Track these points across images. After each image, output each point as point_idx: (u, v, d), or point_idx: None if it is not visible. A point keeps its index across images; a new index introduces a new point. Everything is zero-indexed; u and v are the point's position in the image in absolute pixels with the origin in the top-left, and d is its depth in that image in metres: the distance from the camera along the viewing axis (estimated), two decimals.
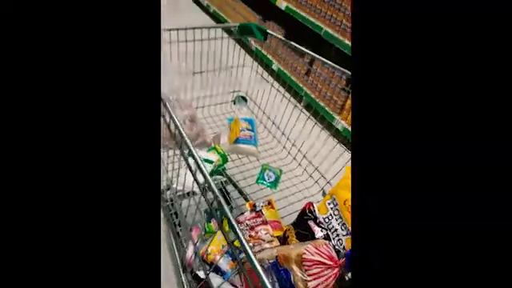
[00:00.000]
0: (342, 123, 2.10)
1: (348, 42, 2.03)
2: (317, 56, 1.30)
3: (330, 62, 1.23)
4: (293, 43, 1.36)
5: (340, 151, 1.28)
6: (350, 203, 1.00)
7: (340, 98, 2.12)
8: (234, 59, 1.51)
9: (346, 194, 1.01)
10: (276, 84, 1.53)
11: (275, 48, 2.61)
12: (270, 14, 2.77)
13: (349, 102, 2.07)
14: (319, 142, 1.35)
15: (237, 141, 1.42)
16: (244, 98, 1.60)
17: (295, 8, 2.42)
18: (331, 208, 1.04)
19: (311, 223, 1.02)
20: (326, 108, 2.22)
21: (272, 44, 2.57)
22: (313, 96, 2.33)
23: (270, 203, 1.26)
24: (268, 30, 1.40)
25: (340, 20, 2.08)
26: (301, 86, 2.43)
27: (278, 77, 2.43)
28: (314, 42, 2.22)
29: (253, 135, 1.45)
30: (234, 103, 1.61)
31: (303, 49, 1.33)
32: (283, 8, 2.53)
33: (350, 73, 1.13)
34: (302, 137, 1.42)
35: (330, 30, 2.14)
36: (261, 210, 1.20)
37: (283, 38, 1.41)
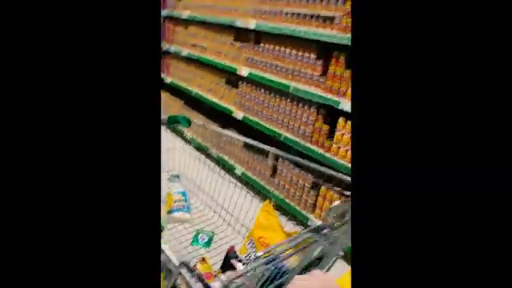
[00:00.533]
0: (317, 222, 1.98)
1: (309, 145, 2.02)
2: (280, 152, 1.34)
3: (296, 158, 1.25)
4: (241, 137, 1.56)
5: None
6: (263, 239, 1.22)
7: (310, 197, 2.02)
8: (167, 143, 1.81)
9: (259, 232, 1.23)
10: (204, 158, 1.82)
11: (238, 152, 2.54)
12: (227, 123, 2.73)
13: (320, 199, 1.98)
14: (240, 200, 1.60)
15: (171, 211, 1.61)
16: (177, 176, 1.85)
17: (252, 117, 2.44)
18: (250, 247, 1.24)
19: (234, 261, 1.20)
20: (297, 208, 2.11)
21: (233, 150, 2.57)
22: (282, 197, 2.21)
23: (204, 259, 1.41)
24: (193, 119, 1.74)
25: (298, 126, 2.09)
26: (267, 187, 2.31)
27: (242, 180, 2.31)
28: (275, 146, 1.95)
29: (185, 204, 1.66)
30: (169, 181, 1.85)
31: (259, 144, 1.39)
32: (240, 118, 2.55)
33: (317, 169, 1.16)
34: (228, 201, 1.66)
35: (289, 135, 2.16)
36: (195, 265, 1.35)
37: (216, 128, 1.75)
